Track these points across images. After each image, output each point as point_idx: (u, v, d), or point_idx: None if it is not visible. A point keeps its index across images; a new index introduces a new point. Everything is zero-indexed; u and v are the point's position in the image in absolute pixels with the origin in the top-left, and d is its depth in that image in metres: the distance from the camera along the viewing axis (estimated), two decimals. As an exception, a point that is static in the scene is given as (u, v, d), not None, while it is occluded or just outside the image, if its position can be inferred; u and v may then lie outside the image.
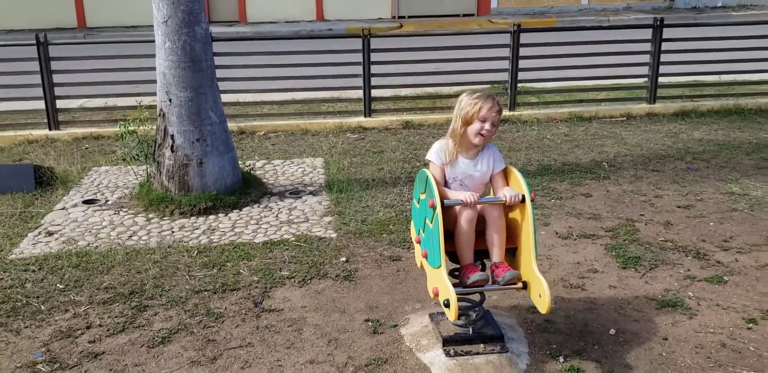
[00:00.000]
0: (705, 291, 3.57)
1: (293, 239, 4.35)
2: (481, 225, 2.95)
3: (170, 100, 4.74)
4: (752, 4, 20.32)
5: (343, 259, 4.06)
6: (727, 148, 6.17)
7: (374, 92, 7.32)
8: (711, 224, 4.48)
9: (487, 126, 2.87)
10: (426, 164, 3.04)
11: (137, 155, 4.98)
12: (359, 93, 7.33)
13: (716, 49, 7.48)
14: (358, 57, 7.07)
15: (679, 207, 4.79)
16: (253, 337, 3.23)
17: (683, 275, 3.76)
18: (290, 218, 4.73)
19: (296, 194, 5.20)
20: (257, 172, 5.60)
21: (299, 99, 7.65)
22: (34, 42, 6.64)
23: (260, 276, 3.84)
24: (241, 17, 18.61)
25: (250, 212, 4.84)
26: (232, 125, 6.59)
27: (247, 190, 5.07)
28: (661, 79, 7.59)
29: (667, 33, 7.40)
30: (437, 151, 3.00)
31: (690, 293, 3.55)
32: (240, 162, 5.42)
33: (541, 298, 2.72)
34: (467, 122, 2.89)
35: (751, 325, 3.24)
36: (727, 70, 7.86)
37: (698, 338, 3.14)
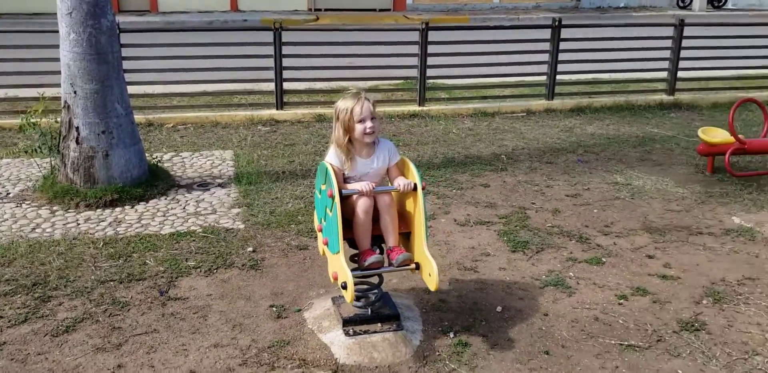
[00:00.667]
0: (584, 271, 3.91)
1: (200, 230, 4.42)
2: (376, 213, 3.15)
3: (75, 92, 4.70)
4: (652, 5, 21.52)
5: (250, 249, 4.17)
6: (616, 142, 6.64)
7: (287, 85, 7.41)
8: (595, 211, 4.86)
9: (368, 124, 3.05)
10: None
11: (40, 148, 4.91)
12: (271, 85, 7.41)
13: (611, 48, 7.98)
14: (271, 49, 7.14)
15: (567, 196, 5.16)
16: (159, 324, 3.32)
17: (566, 257, 4.09)
18: (198, 209, 4.79)
19: (204, 186, 5.25)
20: (165, 165, 5.61)
21: (210, 91, 7.63)
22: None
23: (166, 266, 3.91)
24: (152, 7, 18.11)
25: (156, 204, 4.87)
26: (140, 117, 6.56)
27: (154, 182, 5.08)
28: (559, 77, 8.03)
29: (564, 33, 7.83)
30: (334, 154, 3.15)
31: (571, 274, 3.88)
32: (147, 154, 5.42)
33: (431, 277, 2.96)
34: (349, 129, 3.06)
35: (622, 301, 3.58)
36: (621, 68, 8.38)
37: (575, 313, 3.45)
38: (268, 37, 7.14)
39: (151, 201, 4.90)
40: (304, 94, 7.84)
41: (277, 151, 6.15)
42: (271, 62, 7.21)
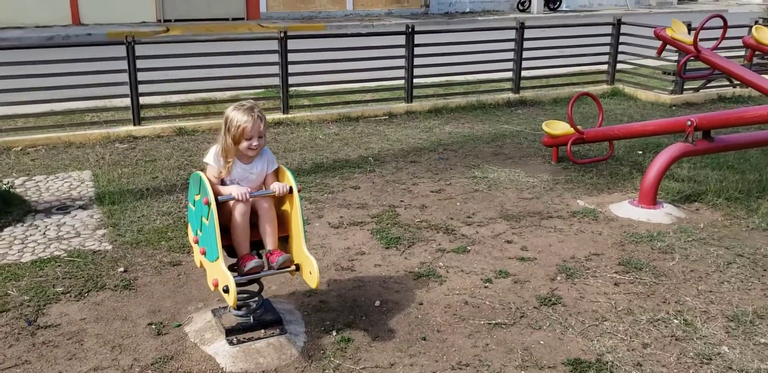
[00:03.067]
0: (452, 260, 4.17)
1: (65, 254, 4.24)
2: (254, 217, 3.21)
3: None
4: (494, 10, 22.84)
5: (121, 269, 4.06)
6: (472, 139, 7.06)
7: (143, 100, 7.21)
8: (458, 204, 5.17)
9: (254, 142, 3.12)
10: (202, 168, 3.22)
11: None
12: (126, 101, 7.18)
13: (461, 52, 8.44)
14: (123, 64, 6.93)
15: (432, 192, 5.44)
16: (30, 354, 3.17)
17: (435, 248, 4.34)
18: (59, 234, 4.58)
19: (64, 209, 5.02)
20: (18, 190, 5.30)
21: (58, 110, 7.24)
22: None
23: (32, 295, 3.72)
24: (-22, 22, 16.79)
25: (12, 231, 4.60)
26: (-17, 142, 6.14)
27: (7, 209, 4.80)
28: (416, 80, 8.39)
29: (418, 38, 8.18)
30: (215, 155, 3.18)
31: (441, 264, 4.12)
32: (-3, 180, 5.11)
33: (312, 274, 3.06)
34: (237, 142, 3.11)
35: (487, 284, 3.86)
36: (471, 70, 8.88)
37: (447, 299, 3.69)
38: (118, 51, 6.92)
39: (6, 229, 4.62)
40: (161, 108, 7.65)
41: (138, 169, 5.98)
42: (122, 77, 6.99)
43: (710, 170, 5.90)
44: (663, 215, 4.94)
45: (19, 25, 16.90)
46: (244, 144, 3.10)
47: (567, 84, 9.32)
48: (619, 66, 9.47)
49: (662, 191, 5.30)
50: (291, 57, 7.64)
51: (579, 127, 6.03)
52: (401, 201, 5.22)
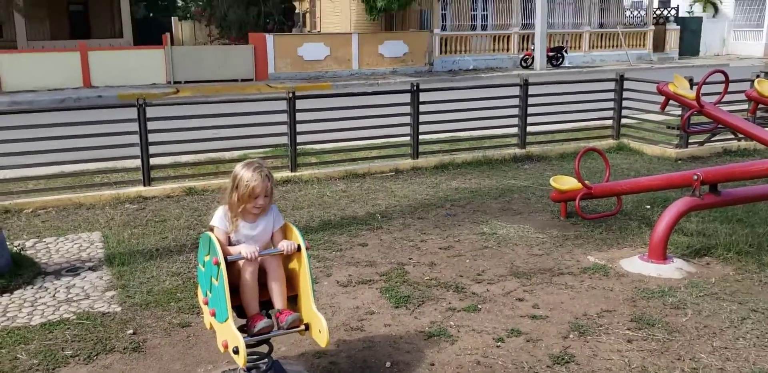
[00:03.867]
0: (463, 319, 4.12)
1: (74, 317, 4.23)
2: (263, 277, 3.21)
3: None
4: (498, 67, 23.34)
5: (130, 331, 4.04)
6: (479, 195, 7.09)
7: (153, 160, 7.32)
8: (467, 261, 5.15)
9: (260, 201, 3.16)
10: (210, 228, 3.24)
11: None
12: (137, 162, 7.29)
13: (466, 109, 8.58)
14: (134, 126, 7.07)
15: (440, 249, 5.43)
16: (35, 422, 3.12)
17: (445, 307, 4.30)
18: (69, 296, 4.58)
19: (74, 271, 5.03)
20: (28, 252, 5.33)
21: (69, 172, 7.35)
22: None
23: (41, 359, 3.69)
24: (-4, 87, 17.26)
25: (23, 294, 4.60)
26: (-4, 204, 6.22)
27: (18, 272, 4.81)
28: (421, 137, 8.51)
29: (423, 96, 8.35)
30: (221, 218, 3.22)
31: (451, 323, 4.07)
32: (8, 243, 5.14)
33: (321, 333, 3.04)
34: (244, 200, 3.16)
35: (499, 343, 3.81)
36: (477, 126, 9.00)
37: (458, 360, 3.63)
38: (129, 113, 7.08)
39: (16, 292, 4.62)
40: (170, 168, 7.76)
41: (148, 229, 6.02)
42: (133, 139, 7.12)
43: (719, 224, 5.88)
44: (673, 269, 4.90)
45: (31, 88, 17.35)
46: (250, 203, 3.14)
47: (573, 139, 9.42)
48: (623, 121, 9.59)
49: (672, 246, 5.27)
50: (299, 116, 7.80)
51: (587, 182, 6.06)
52: (410, 258, 5.21)
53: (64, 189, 7.08)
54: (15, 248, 5.20)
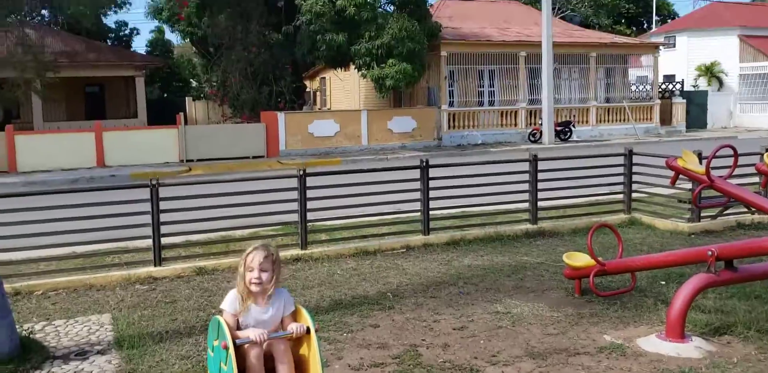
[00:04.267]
0: (480, 406, 3.98)
1: (80, 404, 4.12)
2: (273, 361, 3.15)
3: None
4: (506, 141, 23.70)
5: (136, 419, 3.92)
6: (492, 272, 7.01)
7: (164, 240, 7.34)
8: (481, 342, 5.03)
9: (254, 275, 3.17)
10: (220, 311, 3.22)
11: None
12: (148, 242, 7.31)
13: (476, 184, 8.64)
14: (145, 206, 7.13)
15: (454, 329, 5.32)
16: None
17: (461, 393, 4.16)
18: (76, 381, 4.48)
19: (83, 354, 4.95)
20: (37, 336, 5.26)
21: (80, 252, 7.37)
22: None
23: None
24: (10, 167, 17.57)
25: (29, 380, 4.51)
26: (5, 287, 6.18)
27: (26, 356, 4.74)
28: (432, 212, 8.53)
29: (433, 172, 8.43)
30: (231, 301, 3.21)
31: (467, 410, 3.93)
32: (17, 326, 5.09)
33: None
34: (242, 275, 3.17)
35: (518, 432, 3.66)
36: (487, 202, 9.04)
37: None
38: (141, 193, 7.16)
39: (22, 378, 4.53)
40: (181, 248, 7.77)
41: (158, 311, 5.96)
42: (144, 218, 7.17)
43: (737, 300, 5.76)
44: (693, 348, 4.76)
45: (45, 168, 17.67)
46: (247, 276, 3.14)
47: (584, 214, 9.40)
48: (634, 195, 9.59)
49: (690, 323, 5.14)
50: (309, 192, 7.86)
51: (600, 258, 6.00)
52: (423, 340, 5.09)
53: (75, 270, 7.05)
54: (24, 332, 5.14)
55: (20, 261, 6.96)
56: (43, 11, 22.79)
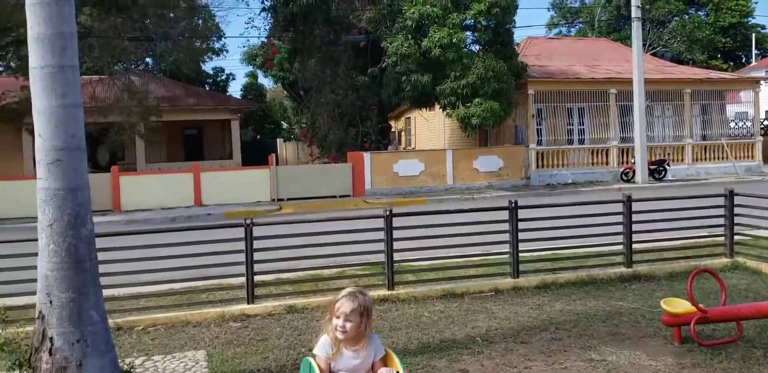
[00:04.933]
0: None
1: (176, 440, 4.23)
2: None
3: (51, 302, 4.74)
4: (598, 181, 23.09)
5: None
6: (585, 317, 6.77)
7: (256, 278, 7.53)
8: (576, 392, 4.84)
9: (339, 322, 3.20)
10: (313, 355, 3.26)
11: (13, 365, 4.80)
12: (241, 280, 7.52)
13: (567, 226, 8.44)
14: (238, 245, 7.36)
15: (547, 377, 5.15)
16: None
17: (556, 445, 4.00)
18: (173, 417, 4.61)
19: (179, 390, 5.10)
20: (137, 370, 5.48)
21: (177, 289, 7.67)
22: None
23: None
24: (114, 205, 18.63)
25: (129, 414, 4.68)
26: (109, 322, 6.48)
27: (131, 390, 4.93)
28: (521, 255, 8.37)
29: (522, 213, 8.31)
30: (323, 345, 3.26)
31: None
32: (119, 360, 5.31)
33: None
34: (330, 319, 3.21)
35: None
36: (579, 244, 8.80)
37: None
38: (235, 231, 7.40)
39: (122, 412, 4.71)
40: (273, 286, 7.94)
41: (250, 348, 6.09)
42: (237, 257, 7.39)
43: None
44: (814, 408, 4.40)
45: (146, 207, 18.64)
46: (333, 322, 3.17)
47: (682, 257, 8.97)
48: (736, 237, 9.09)
49: (808, 380, 4.77)
50: (396, 233, 7.90)
51: (701, 305, 5.69)
52: (514, 387, 4.96)
53: (173, 307, 7.34)
54: (125, 366, 5.35)
55: (122, 297, 7.30)
56: (147, 59, 24.35)
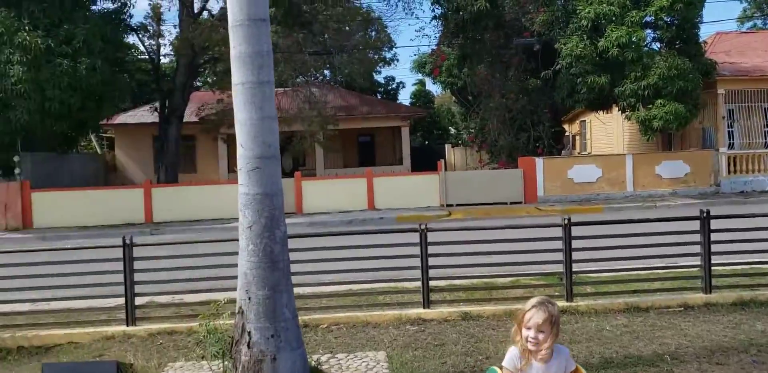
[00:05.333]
0: None
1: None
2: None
3: (249, 299, 5.14)
4: (799, 187, 20.74)
5: None
6: (792, 340, 6.11)
7: (431, 283, 7.62)
8: (787, 423, 4.37)
9: (531, 334, 3.13)
10: (500, 367, 3.24)
11: (217, 353, 5.27)
12: (416, 284, 7.65)
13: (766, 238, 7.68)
14: (411, 249, 7.48)
15: (750, 404, 4.70)
16: None
17: None
18: (357, 415, 4.80)
19: (364, 389, 5.30)
20: (323, 367, 5.77)
21: (356, 290, 7.97)
22: (121, 244, 7.29)
23: None
24: (297, 208, 19.85)
25: (317, 408, 4.94)
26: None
27: (315, 385, 5.21)
28: (715, 268, 7.71)
29: (714, 224, 7.67)
30: (511, 358, 3.23)
31: None
32: (308, 356, 5.62)
33: None
34: (519, 330, 3.16)
35: None
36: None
37: None
38: (409, 237, 7.53)
39: (311, 406, 4.98)
40: (446, 292, 8.00)
41: (428, 352, 6.18)
42: (412, 261, 7.52)
43: None
44: None
45: (325, 210, 19.69)
46: (523, 333, 3.11)
47: None
48: None
49: None
50: (574, 244, 7.61)
51: None
52: (712, 413, 4.58)
53: (353, 307, 7.64)
54: (313, 362, 5.66)
55: (307, 296, 7.72)
56: (325, 71, 25.66)
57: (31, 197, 18.97)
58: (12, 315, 7.56)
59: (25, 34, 17.36)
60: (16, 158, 19.46)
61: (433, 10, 23.35)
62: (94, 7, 21.23)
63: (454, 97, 36.00)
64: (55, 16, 18.57)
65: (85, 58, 18.09)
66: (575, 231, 7.69)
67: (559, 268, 7.67)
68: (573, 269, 7.66)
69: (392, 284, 8.24)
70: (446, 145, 37.63)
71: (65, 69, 17.72)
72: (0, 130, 18.00)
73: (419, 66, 38.79)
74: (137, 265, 7.31)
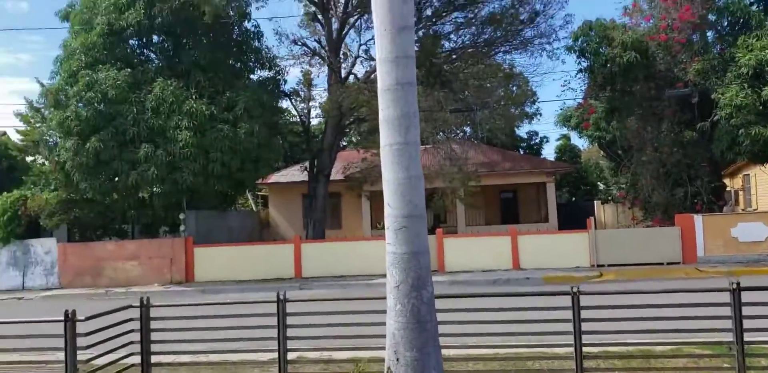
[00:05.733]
0: None
1: None
2: None
3: (398, 360, 5.11)
4: None
5: None
6: None
7: (583, 349, 7.18)
8: None
9: None
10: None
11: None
12: (566, 350, 7.24)
13: None
14: (565, 313, 7.13)
15: None
16: None
17: None
18: None
19: None
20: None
21: (503, 354, 7.66)
22: (275, 299, 7.56)
23: None
24: (440, 267, 19.66)
25: None
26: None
27: None
28: None
29: None
30: None
31: None
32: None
33: None
34: None
35: None
36: None
37: None
38: (559, 299, 7.19)
39: None
40: (600, 359, 7.48)
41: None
42: (564, 326, 7.14)
43: None
44: None
45: (467, 269, 19.36)
46: None
47: None
48: None
49: None
50: (744, 311, 6.90)
51: None
52: None
53: (500, 372, 7.33)
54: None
55: (453, 358, 7.53)
56: (466, 128, 25.84)
57: (194, 251, 20.39)
58: (175, 365, 8.01)
59: (192, 102, 19.11)
60: (181, 216, 21.12)
61: (578, 64, 22.92)
62: (252, 76, 23.02)
63: (602, 152, 34.83)
64: (218, 85, 20.33)
65: (245, 123, 19.52)
66: (745, 297, 6.98)
67: (726, 337, 6.96)
68: (745, 339, 6.92)
69: (541, 350, 7.86)
70: (595, 201, 36.20)
71: (227, 133, 19.19)
72: (168, 191, 19.65)
73: (564, 120, 38.08)
74: (290, 320, 7.52)
